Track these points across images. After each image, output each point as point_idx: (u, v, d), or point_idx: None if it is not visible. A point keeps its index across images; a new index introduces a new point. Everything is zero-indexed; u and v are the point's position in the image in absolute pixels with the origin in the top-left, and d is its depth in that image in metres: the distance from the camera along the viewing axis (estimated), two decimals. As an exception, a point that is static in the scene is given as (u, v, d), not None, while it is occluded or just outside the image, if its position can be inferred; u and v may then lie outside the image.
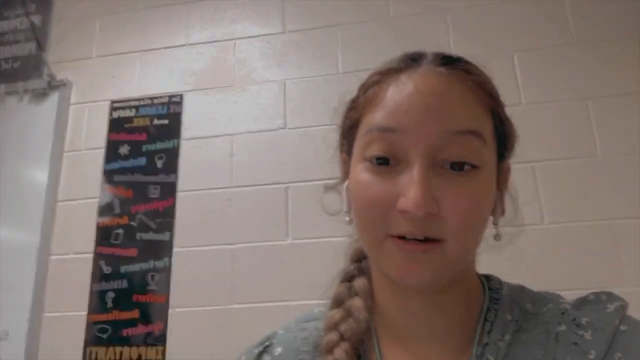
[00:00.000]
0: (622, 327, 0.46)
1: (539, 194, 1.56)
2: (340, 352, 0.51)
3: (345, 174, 0.56)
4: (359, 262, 0.59)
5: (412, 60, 0.50)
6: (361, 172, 0.48)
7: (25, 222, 1.82)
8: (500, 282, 0.56)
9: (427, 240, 0.46)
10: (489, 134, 0.49)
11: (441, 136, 0.45)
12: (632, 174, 1.54)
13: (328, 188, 0.61)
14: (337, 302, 0.56)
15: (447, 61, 0.50)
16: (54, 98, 1.94)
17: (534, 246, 1.46)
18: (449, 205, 0.45)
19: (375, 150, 0.47)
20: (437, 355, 0.51)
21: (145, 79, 1.94)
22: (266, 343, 0.59)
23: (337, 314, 0.54)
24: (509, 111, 0.53)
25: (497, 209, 0.52)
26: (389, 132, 0.47)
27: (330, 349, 0.52)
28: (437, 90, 0.47)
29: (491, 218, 0.52)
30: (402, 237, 0.46)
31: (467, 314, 0.52)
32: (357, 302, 0.54)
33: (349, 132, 0.54)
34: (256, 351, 0.59)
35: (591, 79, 1.64)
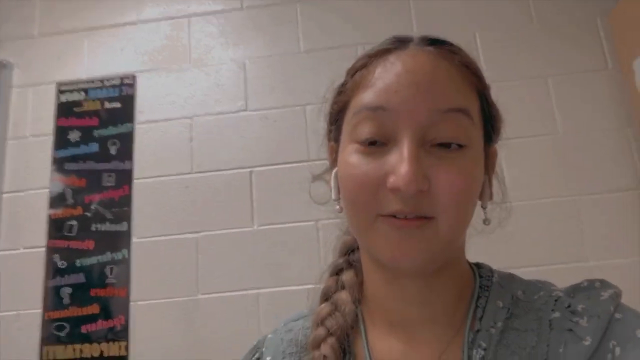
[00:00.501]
0: (617, 315, 0.46)
1: (503, 172, 1.56)
2: (326, 347, 0.51)
3: (334, 162, 0.55)
4: (348, 255, 0.59)
5: (400, 42, 0.51)
6: (350, 154, 0.48)
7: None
8: (490, 269, 0.56)
9: (418, 218, 0.45)
10: (476, 114, 0.49)
11: (430, 114, 0.45)
12: (593, 150, 1.56)
13: (316, 177, 0.61)
14: (325, 296, 0.57)
15: (434, 42, 0.50)
16: (-8, 81, 1.79)
17: (497, 224, 1.46)
18: (440, 182, 0.45)
19: (364, 132, 0.47)
20: (428, 342, 0.50)
21: (94, 60, 1.81)
22: (257, 355, 0.59)
23: (324, 308, 0.55)
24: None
25: (485, 193, 0.52)
26: (379, 110, 0.47)
27: (317, 345, 0.52)
28: (425, 68, 0.47)
29: (479, 202, 0.52)
30: (393, 217, 0.45)
31: (457, 300, 0.52)
32: (343, 296, 0.54)
33: (336, 117, 0.54)
34: None
35: (551, 57, 1.65)
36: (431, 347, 0.50)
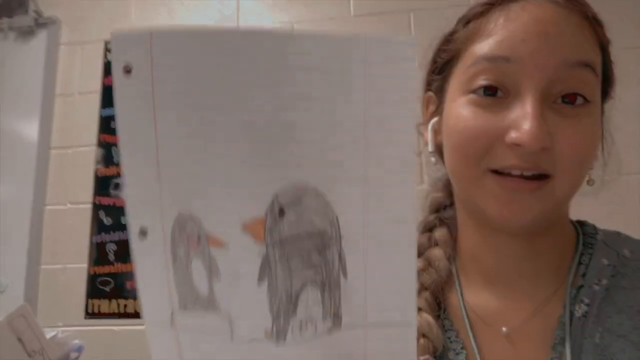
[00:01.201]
0: None
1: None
2: (421, 300, 0.50)
3: (432, 113, 0.53)
4: (438, 212, 0.57)
5: None
6: (463, 106, 0.46)
7: (17, 173, 1.71)
8: (594, 227, 0.54)
9: (534, 177, 0.43)
10: (599, 70, 0.46)
11: (558, 68, 0.43)
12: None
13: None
14: (418, 253, 0.55)
15: None
16: (42, 37, 1.79)
17: (616, 194, 1.40)
18: (564, 140, 0.42)
19: (482, 82, 0.44)
20: (526, 297, 0.49)
21: (142, 21, 1.80)
22: None
23: (418, 264, 0.53)
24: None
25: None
26: (501, 61, 0.44)
27: None
28: (555, 19, 0.44)
29: None
30: (505, 174, 0.43)
31: (559, 257, 0.50)
32: (437, 252, 0.53)
33: (443, 67, 0.51)
34: None
35: None
36: (529, 302, 0.49)
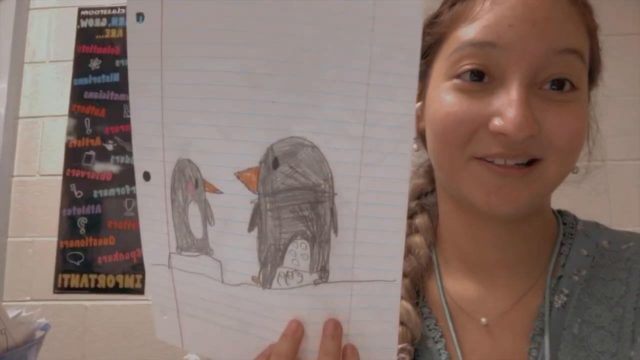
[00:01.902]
0: None
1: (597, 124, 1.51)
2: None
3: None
4: (419, 199, 0.57)
5: None
6: (447, 91, 0.44)
7: (-18, 140, 1.64)
8: (575, 217, 0.54)
9: (521, 164, 0.42)
10: (587, 56, 0.45)
11: (545, 54, 0.42)
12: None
13: None
14: None
15: None
16: (11, 1, 1.71)
17: (616, 182, 1.43)
18: (553, 125, 0.42)
19: (467, 64, 0.43)
20: (506, 286, 0.49)
21: (117, -15, 1.73)
22: None
23: None
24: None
25: None
26: (487, 47, 0.42)
27: None
28: (543, 3, 0.43)
29: None
30: (489, 161, 0.42)
31: (540, 246, 0.50)
32: (417, 239, 0.53)
33: (426, 51, 0.49)
34: None
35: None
36: (509, 291, 0.48)
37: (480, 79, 0.43)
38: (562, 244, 0.50)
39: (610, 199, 1.44)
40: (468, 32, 0.44)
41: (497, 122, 0.41)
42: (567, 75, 0.43)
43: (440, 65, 0.47)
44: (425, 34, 0.50)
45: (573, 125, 0.43)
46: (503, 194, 0.42)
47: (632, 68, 1.53)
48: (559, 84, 0.43)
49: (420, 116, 0.50)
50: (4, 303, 1.55)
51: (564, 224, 0.53)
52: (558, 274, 0.48)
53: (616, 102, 1.42)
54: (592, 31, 0.47)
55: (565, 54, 0.42)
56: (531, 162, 0.43)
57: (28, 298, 1.57)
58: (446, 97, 0.44)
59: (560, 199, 0.53)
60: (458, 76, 0.44)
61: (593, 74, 0.49)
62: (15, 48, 1.68)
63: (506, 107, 0.41)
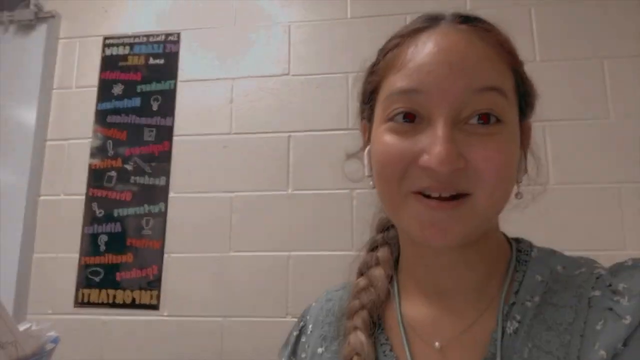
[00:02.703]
0: None
1: (547, 153, 1.54)
2: (358, 319, 0.54)
3: (367, 140, 0.56)
4: (384, 232, 0.61)
5: (432, 20, 0.50)
6: (383, 134, 0.48)
7: (12, 163, 1.74)
8: (530, 244, 0.56)
9: (453, 197, 0.45)
10: (511, 92, 0.48)
11: (464, 94, 0.45)
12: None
13: (350, 155, 0.62)
14: (361, 271, 0.60)
15: (467, 19, 0.50)
16: (41, 31, 1.82)
17: (539, 206, 1.44)
18: (478, 158, 0.44)
19: (396, 111, 0.47)
20: (460, 311, 0.51)
21: (140, 15, 1.83)
22: (302, 324, 0.64)
23: (361, 282, 0.58)
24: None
25: (520, 167, 0.52)
26: (411, 93, 0.46)
27: (351, 315, 0.55)
28: (459, 47, 0.46)
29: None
30: (425, 196, 0.46)
31: (491, 272, 0.52)
32: (377, 272, 0.57)
33: (369, 97, 0.54)
34: (295, 334, 0.64)
35: (608, 38, 1.59)
36: (463, 316, 0.50)
37: (411, 120, 0.47)
38: (516, 271, 0.52)
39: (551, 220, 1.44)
40: (396, 81, 0.48)
41: (424, 157, 0.45)
42: (489, 113, 0.45)
43: (378, 110, 0.51)
44: (366, 82, 0.56)
45: (498, 158, 0.45)
46: (437, 229, 0.45)
47: (587, 92, 1.55)
48: (484, 118, 0.45)
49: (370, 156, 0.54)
50: (28, 315, 1.63)
51: (519, 250, 0.54)
52: (511, 300, 0.50)
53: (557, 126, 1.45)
54: (515, 67, 0.50)
55: (485, 92, 0.45)
56: (461, 196, 0.45)
57: (50, 311, 1.64)
58: (383, 138, 0.49)
59: (506, 223, 0.55)
60: (391, 119, 0.48)
61: (523, 106, 0.51)
62: (45, 76, 1.79)
63: (431, 144, 0.44)
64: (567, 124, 1.54)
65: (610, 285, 0.47)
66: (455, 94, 0.45)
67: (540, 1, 1.64)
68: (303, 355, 0.60)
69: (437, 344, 0.50)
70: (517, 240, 0.57)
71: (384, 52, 0.53)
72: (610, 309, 0.45)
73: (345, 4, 1.73)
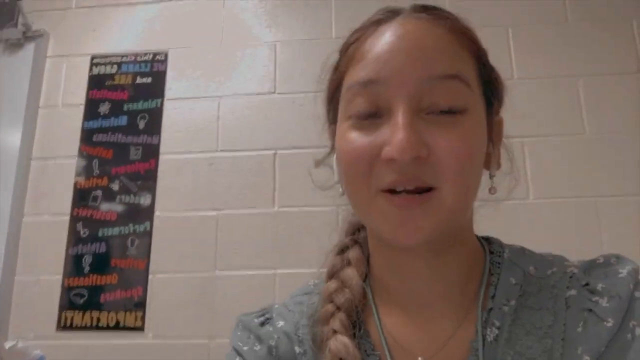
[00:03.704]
0: (637, 294, 0.45)
1: (527, 170, 1.55)
2: (335, 322, 0.50)
3: (334, 145, 0.54)
4: (354, 234, 0.58)
5: (391, 12, 0.50)
6: (345, 131, 0.47)
7: (-4, 181, 1.72)
8: (501, 244, 0.54)
9: (419, 191, 0.43)
10: (473, 79, 0.47)
11: (422, 82, 0.44)
12: (617, 152, 1.54)
13: (318, 162, 0.60)
14: (331, 274, 0.55)
15: (426, 9, 0.49)
16: (29, 49, 1.82)
17: (518, 220, 1.46)
18: (440, 147, 0.43)
19: (357, 106, 0.46)
20: (439, 320, 0.49)
21: (128, 34, 1.84)
22: (266, 315, 0.57)
23: (331, 285, 0.53)
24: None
25: (493, 162, 0.51)
26: (370, 84, 0.45)
27: (326, 320, 0.51)
28: (416, 34, 0.45)
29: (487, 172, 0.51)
30: (393, 192, 0.44)
31: (467, 277, 0.51)
32: (350, 272, 0.53)
33: (332, 97, 0.53)
34: (257, 321, 0.57)
35: (583, 57, 1.63)
36: (442, 326, 0.49)
37: (370, 116, 0.45)
38: (490, 274, 0.51)
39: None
40: (355, 72, 0.47)
41: (386, 149, 0.43)
42: (450, 102, 0.44)
43: (341, 107, 0.50)
44: (329, 81, 0.54)
45: (460, 147, 0.43)
46: (407, 227, 0.43)
47: (563, 109, 1.59)
48: (444, 111, 0.44)
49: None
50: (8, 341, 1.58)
51: (491, 252, 0.53)
52: (489, 305, 0.48)
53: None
54: (478, 55, 0.49)
55: (445, 80, 0.44)
56: (429, 190, 0.44)
57: (32, 335, 1.59)
58: (346, 135, 0.47)
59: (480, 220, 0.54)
60: (352, 116, 0.47)
61: (488, 94, 0.50)
62: (32, 93, 1.78)
63: (393, 133, 0.43)
64: (544, 140, 1.57)
65: (587, 284, 0.47)
66: (414, 81, 0.44)
67: (517, 21, 1.68)
68: (272, 343, 0.54)
69: (420, 359, 0.48)
70: (488, 241, 0.55)
71: (345, 47, 0.51)
72: (590, 310, 0.45)
73: (329, 23, 1.76)
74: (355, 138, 0.46)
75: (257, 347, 0.54)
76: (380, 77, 0.45)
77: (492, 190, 0.51)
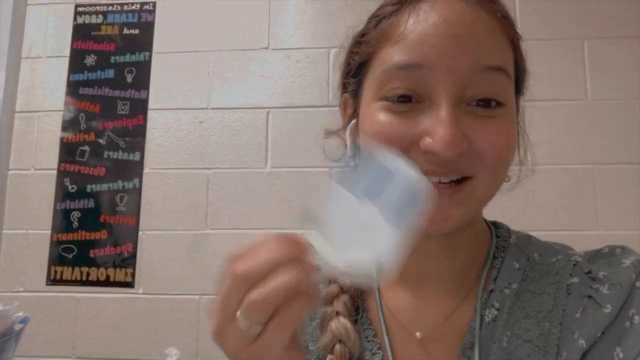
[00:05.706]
0: (638, 283, 0.44)
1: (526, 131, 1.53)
2: (339, 303, 0.51)
3: (350, 116, 0.52)
4: None
5: None
6: (377, 112, 0.45)
7: (-21, 133, 1.67)
8: (508, 230, 0.55)
9: (452, 181, 0.43)
10: (512, 70, 0.46)
11: (470, 72, 0.42)
12: (618, 120, 1.52)
13: (329, 133, 0.58)
14: None
15: None
16: (9, -4, 1.73)
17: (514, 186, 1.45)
18: (482, 141, 0.42)
19: (395, 89, 0.43)
20: (440, 298, 0.50)
21: (113, -18, 1.75)
22: None
23: None
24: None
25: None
26: (413, 68, 0.43)
27: (330, 301, 0.52)
28: (466, 19, 0.43)
29: None
30: None
31: (473, 258, 0.51)
32: None
33: (357, 70, 0.50)
34: None
35: (590, 19, 1.58)
36: (443, 304, 0.50)
37: (408, 100, 0.43)
38: (494, 257, 0.51)
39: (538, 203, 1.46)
40: (394, 54, 0.44)
41: (427, 140, 0.42)
42: (493, 94, 0.43)
43: (369, 85, 0.47)
44: (353, 53, 0.51)
45: (501, 140, 0.43)
46: (436, 214, 0.42)
47: (566, 73, 1.55)
48: (485, 102, 0.43)
49: (356, 133, 0.51)
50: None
51: (497, 236, 0.53)
52: (490, 287, 0.49)
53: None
54: (515, 43, 0.47)
55: (491, 72, 0.43)
56: (462, 180, 0.43)
57: (22, 289, 1.60)
58: (377, 117, 0.45)
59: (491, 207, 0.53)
60: (387, 98, 0.44)
61: (519, 84, 0.49)
62: (13, 43, 1.70)
63: (435, 125, 0.41)
64: (542, 105, 1.54)
65: (589, 272, 0.47)
66: (462, 71, 0.42)
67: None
68: None
69: (418, 334, 0.49)
70: (496, 225, 0.55)
71: (376, 19, 0.48)
72: (590, 297, 0.45)
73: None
74: (390, 121, 0.44)
75: None
76: (426, 62, 0.42)
77: (507, 178, 0.50)
